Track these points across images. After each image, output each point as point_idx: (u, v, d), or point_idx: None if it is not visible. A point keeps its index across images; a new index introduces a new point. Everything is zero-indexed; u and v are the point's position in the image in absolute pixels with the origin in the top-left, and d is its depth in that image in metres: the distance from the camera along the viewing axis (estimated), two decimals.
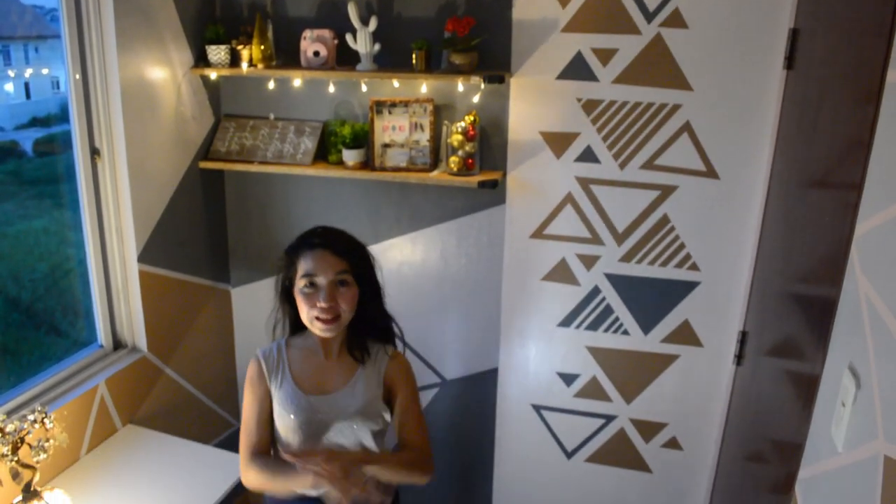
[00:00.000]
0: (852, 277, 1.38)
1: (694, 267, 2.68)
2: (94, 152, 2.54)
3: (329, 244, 1.86)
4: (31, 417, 2.00)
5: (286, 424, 1.90)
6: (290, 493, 1.91)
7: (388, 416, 1.96)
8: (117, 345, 2.75)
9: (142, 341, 2.76)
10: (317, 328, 1.87)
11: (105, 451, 2.53)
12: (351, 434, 1.90)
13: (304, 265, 1.85)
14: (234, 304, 3.31)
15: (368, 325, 1.99)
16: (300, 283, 1.85)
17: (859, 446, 1.23)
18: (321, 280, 1.83)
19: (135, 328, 2.76)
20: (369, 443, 1.91)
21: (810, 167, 1.94)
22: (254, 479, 1.90)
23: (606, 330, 2.84)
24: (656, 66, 2.53)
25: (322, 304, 1.82)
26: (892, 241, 1.19)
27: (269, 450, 1.97)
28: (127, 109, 2.53)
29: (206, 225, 3.06)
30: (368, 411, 1.91)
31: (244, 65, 2.77)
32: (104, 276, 2.66)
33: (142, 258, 2.68)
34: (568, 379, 2.94)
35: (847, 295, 1.41)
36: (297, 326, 2.01)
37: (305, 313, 1.87)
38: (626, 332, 2.82)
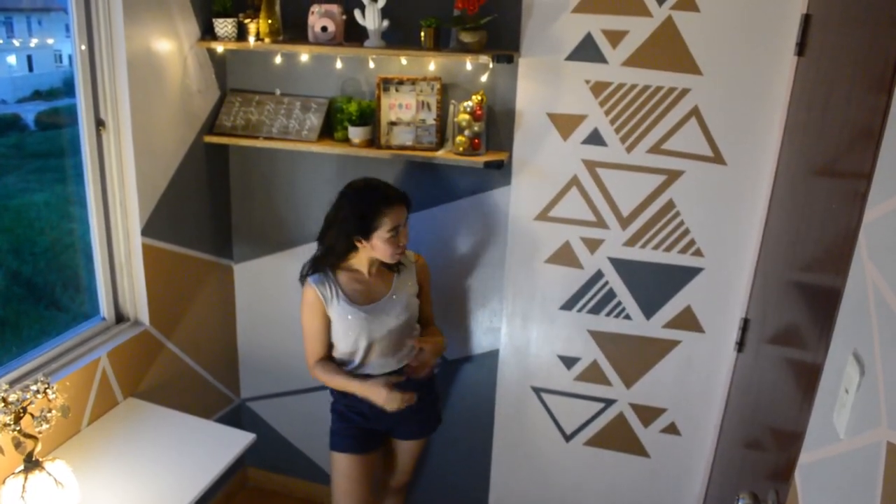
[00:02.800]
0: (859, 264, 1.37)
1: (698, 253, 2.68)
2: (100, 124, 2.52)
3: (400, 199, 2.39)
4: (33, 388, 2.00)
5: (346, 333, 2.47)
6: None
7: (418, 307, 2.62)
8: (119, 318, 2.75)
9: (144, 315, 2.76)
10: (395, 259, 2.43)
11: (106, 424, 2.53)
12: (399, 328, 2.51)
13: (390, 220, 2.34)
14: (236, 280, 3.31)
15: None
16: (386, 235, 2.36)
17: (862, 433, 1.23)
18: (402, 228, 2.40)
19: (137, 302, 2.76)
20: (411, 326, 2.57)
21: (819, 155, 1.92)
22: (319, 378, 2.55)
23: (609, 314, 2.84)
24: (666, 50, 2.51)
25: (404, 243, 2.42)
26: None
27: (329, 354, 2.56)
28: (133, 81, 2.51)
29: (209, 200, 3.05)
30: (409, 307, 2.55)
31: (251, 39, 2.75)
32: (107, 250, 2.65)
33: (145, 232, 2.68)
34: (569, 362, 2.95)
35: (853, 282, 1.40)
36: (338, 256, 2.46)
37: (389, 253, 2.40)
38: (628, 317, 2.82)
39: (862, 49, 1.63)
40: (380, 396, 2.40)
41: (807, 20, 2.27)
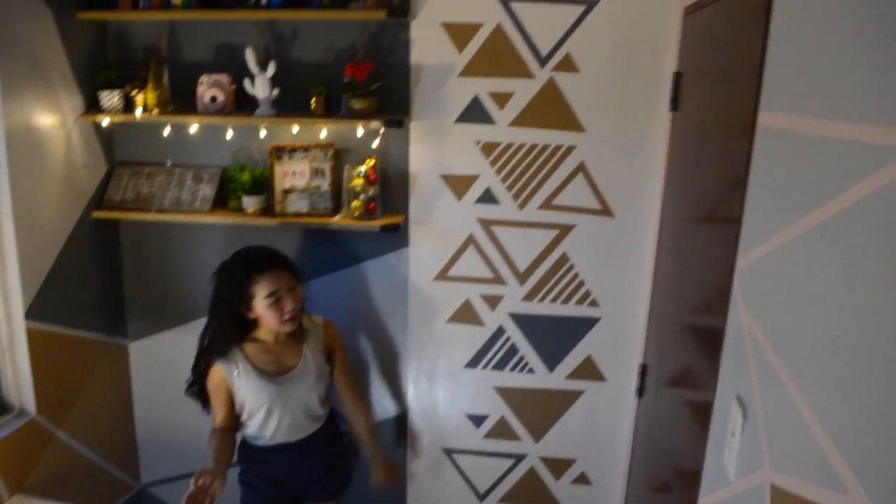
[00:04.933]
0: (735, 310, 1.44)
1: (594, 303, 2.75)
2: None
3: (275, 264, 2.31)
4: None
5: (258, 407, 2.36)
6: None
7: (328, 376, 2.54)
8: (3, 408, 2.57)
9: (30, 403, 2.59)
10: (287, 328, 2.33)
11: None
12: (311, 396, 2.43)
13: (264, 287, 2.26)
14: (131, 359, 3.16)
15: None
16: (265, 302, 2.26)
17: (748, 475, 1.27)
18: (283, 293, 2.29)
19: (22, 390, 2.60)
20: (322, 396, 2.50)
21: (696, 203, 2.03)
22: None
23: (513, 369, 2.86)
24: (551, 109, 2.61)
25: (290, 309, 2.29)
26: (770, 275, 1.24)
27: (230, 425, 2.41)
28: (12, 159, 2.41)
29: (100, 277, 2.93)
30: (322, 376, 2.47)
31: (138, 111, 2.70)
32: None
33: (29, 315, 2.54)
34: (477, 420, 2.94)
35: (732, 327, 1.47)
36: (234, 334, 2.36)
37: (276, 321, 2.30)
38: (531, 371, 2.85)
39: (726, 102, 1.75)
40: (217, 488, 2.08)
41: (678, 77, 2.41)
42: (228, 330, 2.34)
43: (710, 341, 1.68)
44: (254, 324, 2.38)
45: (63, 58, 2.63)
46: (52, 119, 2.60)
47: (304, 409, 2.45)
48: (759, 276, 1.31)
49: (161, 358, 3.11)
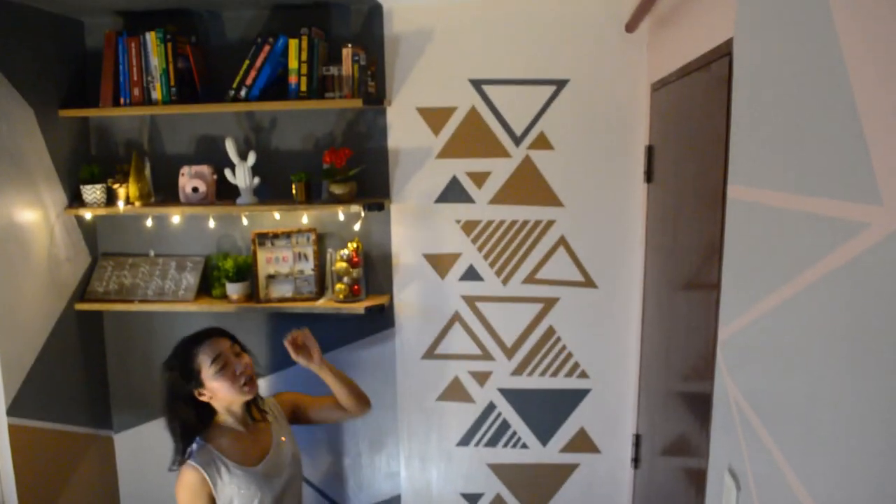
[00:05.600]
0: (721, 381, 1.44)
1: (583, 374, 2.75)
2: None
3: (212, 334, 2.23)
4: None
5: (249, 500, 2.17)
6: None
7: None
8: None
9: (12, 499, 2.53)
10: (245, 393, 2.19)
11: None
12: (292, 477, 2.31)
13: (206, 355, 2.16)
14: (117, 451, 3.11)
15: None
16: (212, 370, 2.15)
17: None
18: (228, 355, 2.19)
19: (4, 488, 2.54)
20: (301, 475, 2.39)
21: (677, 271, 2.05)
22: None
23: (506, 445, 2.83)
24: (528, 186, 2.66)
25: (240, 369, 2.17)
26: (751, 345, 1.25)
27: None
28: None
29: (84, 369, 2.90)
30: (296, 453, 2.36)
31: (121, 203, 2.72)
32: None
33: (11, 411, 2.50)
34: (472, 499, 2.89)
35: (719, 396, 1.47)
36: (197, 425, 2.21)
37: (230, 387, 2.16)
38: (525, 446, 2.82)
39: (697, 174, 1.79)
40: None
41: (650, 150, 2.47)
42: (189, 420, 2.19)
43: (699, 408, 1.68)
44: (211, 409, 2.24)
45: (45, 154, 2.67)
46: (34, 214, 2.62)
47: (289, 495, 2.30)
48: (740, 346, 1.32)
49: (147, 448, 3.06)
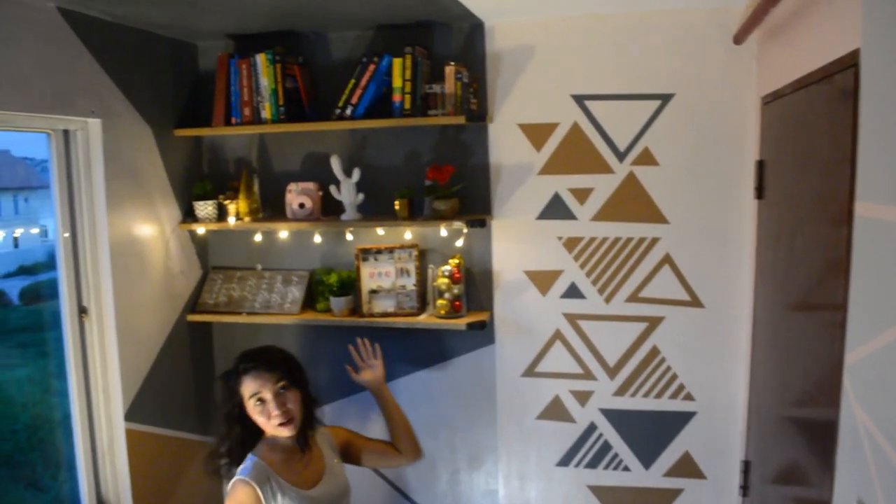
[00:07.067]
0: (848, 408, 1.37)
1: (689, 397, 2.66)
2: (82, 311, 2.53)
3: (259, 364, 2.12)
4: None
5: None
6: None
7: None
8: None
9: (127, 502, 2.65)
10: (282, 432, 2.11)
11: None
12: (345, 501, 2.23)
13: (247, 388, 2.10)
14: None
15: (311, 415, 2.23)
16: (251, 404, 2.09)
17: None
18: (267, 395, 2.08)
19: (120, 489, 2.66)
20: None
21: (793, 291, 1.97)
22: None
23: (606, 467, 2.77)
24: (632, 202, 2.61)
25: (277, 411, 2.08)
26: (885, 372, 1.18)
27: None
28: (115, 267, 2.55)
29: (193, 378, 3.02)
30: (348, 483, 2.27)
31: (231, 219, 2.83)
32: (89, 436, 2.58)
33: (129, 416, 2.62)
34: None
35: (846, 424, 1.39)
36: (250, 442, 2.15)
37: (265, 424, 2.10)
38: (626, 469, 2.76)
39: (818, 190, 1.72)
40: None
41: (761, 165, 2.38)
42: (239, 433, 2.14)
43: (820, 436, 1.60)
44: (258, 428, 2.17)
45: (162, 171, 2.80)
46: (151, 229, 2.75)
47: None
48: (871, 372, 1.25)
49: None
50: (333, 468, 2.22)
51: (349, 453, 2.37)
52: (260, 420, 2.10)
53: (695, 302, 2.61)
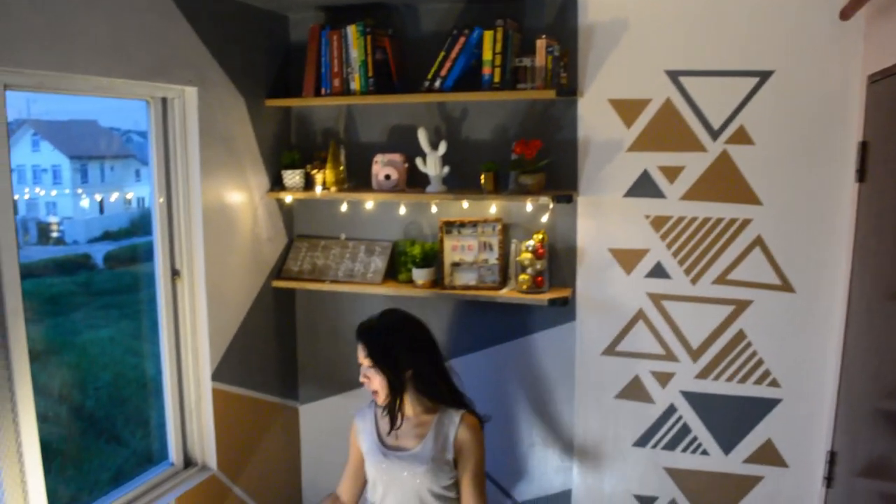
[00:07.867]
0: None
1: (774, 383, 2.60)
2: (175, 273, 2.63)
3: (361, 337, 2.18)
4: None
5: (369, 474, 2.21)
6: None
7: (452, 477, 2.16)
8: (188, 462, 2.75)
9: (212, 459, 2.76)
10: (375, 398, 2.19)
11: None
12: (422, 488, 2.11)
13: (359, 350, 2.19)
14: (301, 422, 3.31)
15: (429, 389, 2.19)
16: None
17: None
18: (363, 363, 2.17)
19: (206, 446, 2.77)
20: (437, 492, 2.12)
21: (895, 279, 1.89)
22: None
23: (685, 450, 2.74)
24: (724, 182, 2.55)
25: (365, 383, 2.18)
26: None
27: (353, 496, 2.33)
28: (207, 232, 2.64)
29: (276, 342, 3.11)
30: (436, 468, 2.11)
31: (318, 188, 2.88)
32: (178, 396, 2.70)
33: (215, 376, 2.73)
34: (645, 502, 2.82)
35: None
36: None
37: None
38: (705, 452, 2.72)
39: None
40: None
41: (864, 147, 2.29)
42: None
43: None
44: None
45: (252, 140, 2.87)
46: (241, 196, 2.82)
47: (413, 497, 2.13)
48: None
49: (329, 422, 3.23)
50: (424, 455, 2.12)
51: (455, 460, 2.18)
52: None
53: (786, 286, 2.54)
